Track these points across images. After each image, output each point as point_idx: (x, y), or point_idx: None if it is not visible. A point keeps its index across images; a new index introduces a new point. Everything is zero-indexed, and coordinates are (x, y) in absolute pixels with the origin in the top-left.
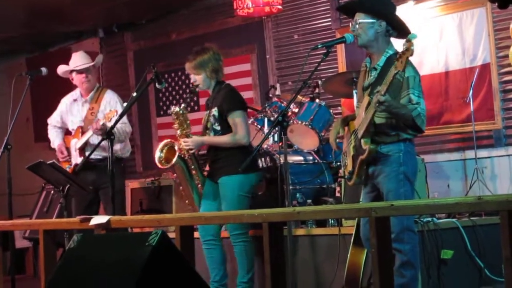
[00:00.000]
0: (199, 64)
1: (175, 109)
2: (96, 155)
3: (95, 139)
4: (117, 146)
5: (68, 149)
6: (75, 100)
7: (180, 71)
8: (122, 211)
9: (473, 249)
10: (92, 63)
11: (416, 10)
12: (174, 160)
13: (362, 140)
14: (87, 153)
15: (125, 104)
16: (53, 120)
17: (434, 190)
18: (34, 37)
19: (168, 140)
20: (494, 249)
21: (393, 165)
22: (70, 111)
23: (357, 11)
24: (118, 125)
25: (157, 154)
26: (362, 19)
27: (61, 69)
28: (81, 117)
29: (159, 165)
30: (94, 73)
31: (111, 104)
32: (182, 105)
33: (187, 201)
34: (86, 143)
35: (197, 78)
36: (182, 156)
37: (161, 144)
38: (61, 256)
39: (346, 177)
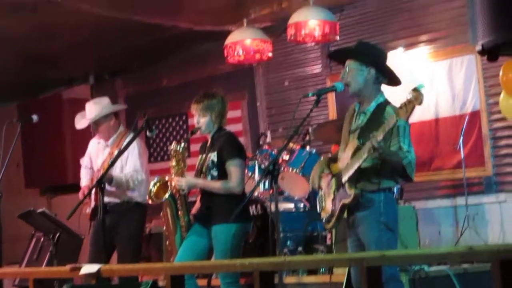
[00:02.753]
0: (206, 107)
1: (174, 146)
2: (114, 199)
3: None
4: (133, 193)
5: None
6: (98, 142)
7: (171, 117)
8: (134, 259)
9: None
10: (92, 118)
11: (405, 56)
12: (165, 196)
13: (347, 184)
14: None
15: (141, 150)
16: (84, 161)
17: (425, 236)
18: (25, 83)
19: (163, 176)
20: None
21: (374, 215)
22: (95, 153)
23: (347, 58)
24: (128, 173)
25: (149, 188)
26: (351, 66)
27: (81, 125)
28: (102, 160)
29: (149, 200)
30: (108, 121)
31: (128, 149)
32: (182, 143)
33: (167, 242)
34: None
35: (201, 121)
36: (173, 194)
37: (155, 179)
38: None
39: (324, 220)
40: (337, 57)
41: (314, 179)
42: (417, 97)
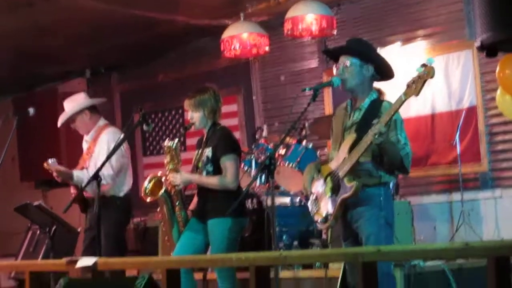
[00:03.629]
0: (199, 103)
1: (168, 143)
2: (91, 193)
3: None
4: (103, 187)
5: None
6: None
7: (166, 112)
8: (114, 254)
9: None
10: (68, 115)
11: (402, 52)
12: (160, 193)
13: (346, 179)
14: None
15: (107, 144)
16: None
17: (420, 232)
18: (21, 77)
19: (157, 173)
20: None
21: (374, 210)
22: (83, 147)
23: (343, 55)
24: (94, 167)
25: (144, 185)
26: (351, 63)
27: (59, 123)
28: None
29: (144, 197)
30: (82, 116)
31: (100, 145)
32: (176, 140)
33: (166, 238)
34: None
35: (195, 116)
36: (168, 191)
37: (149, 176)
38: None
39: (320, 220)
40: (332, 54)
41: (305, 186)
42: (429, 71)
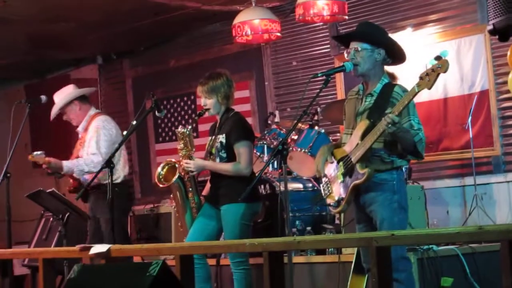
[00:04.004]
0: (212, 89)
1: (181, 129)
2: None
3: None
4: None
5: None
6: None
7: (178, 98)
8: (119, 238)
9: (473, 277)
10: (58, 108)
11: (414, 36)
12: (174, 179)
13: (358, 165)
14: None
15: (104, 131)
16: None
17: (433, 216)
18: (33, 64)
19: (171, 159)
20: (494, 276)
21: (387, 194)
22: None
23: (354, 40)
24: (83, 157)
25: (157, 171)
26: (362, 47)
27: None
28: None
29: (158, 183)
30: (72, 107)
31: (90, 133)
32: (189, 126)
33: (179, 223)
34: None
35: (208, 102)
36: (182, 177)
37: (163, 162)
38: (60, 285)
39: (332, 204)
40: (341, 39)
41: (318, 168)
42: (443, 64)
